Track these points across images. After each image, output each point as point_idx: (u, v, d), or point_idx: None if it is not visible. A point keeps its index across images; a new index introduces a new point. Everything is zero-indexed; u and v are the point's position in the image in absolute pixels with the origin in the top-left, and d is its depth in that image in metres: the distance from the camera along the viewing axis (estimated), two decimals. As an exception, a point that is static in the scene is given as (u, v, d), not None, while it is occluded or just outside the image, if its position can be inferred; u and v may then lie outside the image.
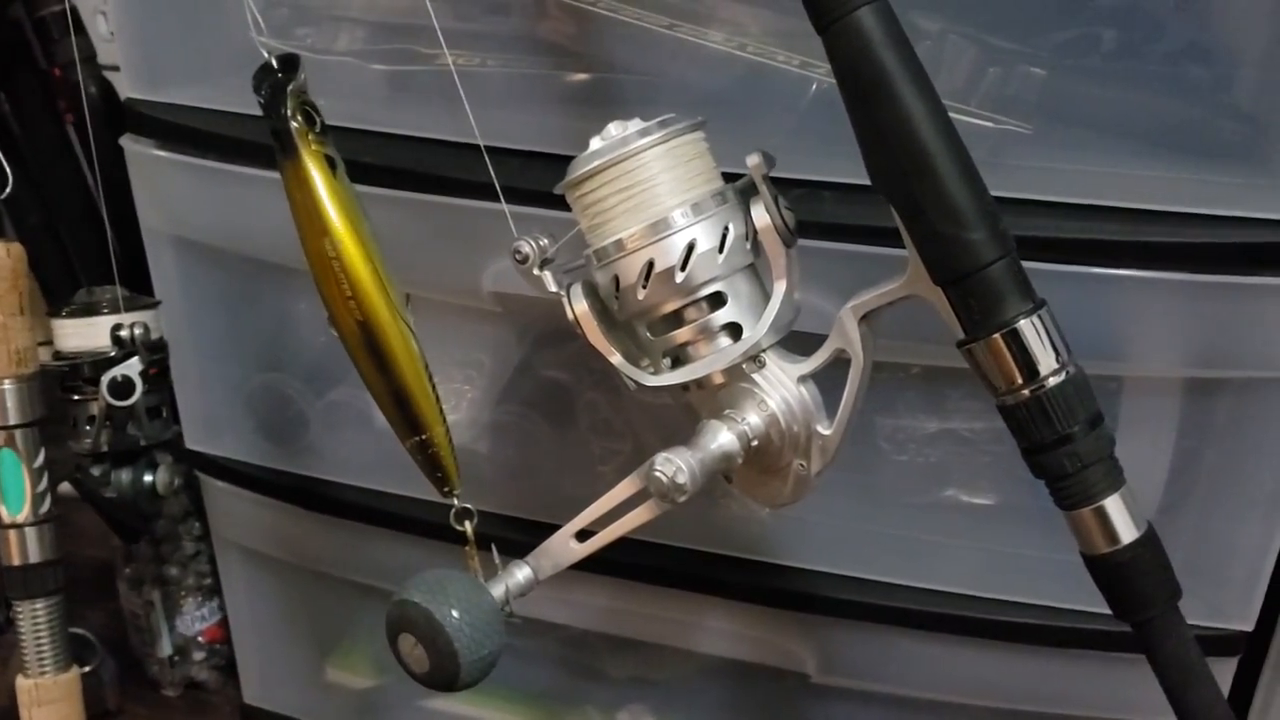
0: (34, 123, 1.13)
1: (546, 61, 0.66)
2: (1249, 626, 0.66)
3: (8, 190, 0.68)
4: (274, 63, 0.52)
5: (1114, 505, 0.45)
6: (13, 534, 0.66)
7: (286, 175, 0.53)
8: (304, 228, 0.52)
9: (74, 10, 1.01)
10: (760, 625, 0.74)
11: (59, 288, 1.07)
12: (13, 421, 0.65)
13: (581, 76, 0.66)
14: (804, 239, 0.59)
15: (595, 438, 0.76)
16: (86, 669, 0.86)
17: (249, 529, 0.85)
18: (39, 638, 0.68)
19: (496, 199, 0.58)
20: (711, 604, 0.75)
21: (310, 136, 0.52)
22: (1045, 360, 0.44)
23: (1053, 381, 0.44)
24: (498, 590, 0.52)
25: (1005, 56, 0.61)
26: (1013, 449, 0.47)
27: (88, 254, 1.08)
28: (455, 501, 0.57)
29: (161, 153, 0.73)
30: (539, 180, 0.56)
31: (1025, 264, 0.58)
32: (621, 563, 0.74)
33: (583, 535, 0.54)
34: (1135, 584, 0.45)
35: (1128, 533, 0.45)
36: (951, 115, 0.60)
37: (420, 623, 0.49)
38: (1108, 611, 0.64)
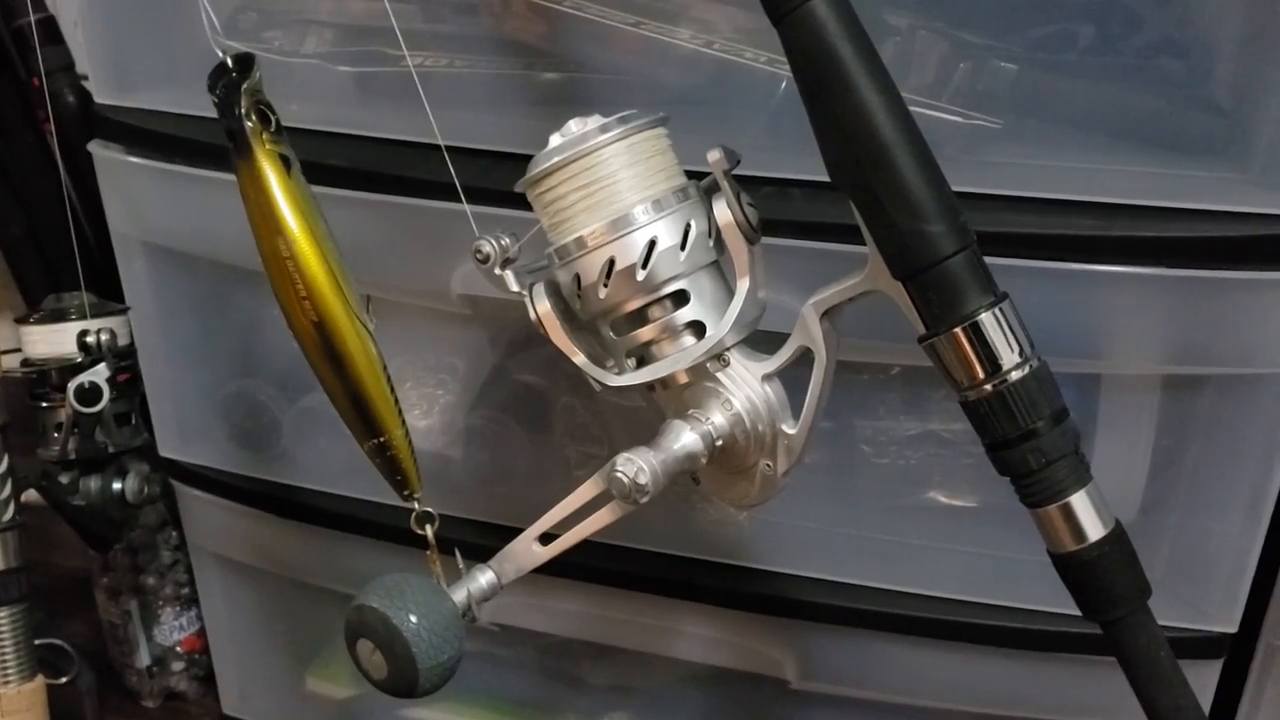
0: (13, 132, 1.12)
1: (514, 62, 0.66)
2: (1232, 628, 0.65)
3: None
4: (229, 62, 0.51)
5: (1080, 502, 0.44)
6: (-26, 542, 0.65)
7: (241, 175, 0.52)
8: (258, 227, 0.51)
9: (52, 20, 1.01)
10: (739, 631, 0.73)
11: (41, 298, 1.06)
12: (-31, 430, 0.64)
13: (549, 76, 0.65)
14: (774, 237, 0.59)
15: (571, 442, 0.75)
16: (64, 680, 0.85)
17: (224, 537, 0.85)
18: (3, 647, 0.67)
19: (462, 202, 0.57)
20: (689, 609, 0.74)
21: (265, 136, 0.51)
22: (1007, 354, 0.44)
23: (1015, 375, 0.43)
24: (459, 595, 0.51)
25: (976, 51, 0.60)
26: None
27: (68, 263, 1.08)
28: (416, 505, 0.56)
29: (130, 158, 0.73)
30: (506, 180, 0.55)
31: (998, 261, 0.57)
32: (597, 568, 0.74)
33: (546, 538, 0.53)
34: (1104, 582, 0.44)
35: (1095, 530, 0.44)
36: (922, 111, 0.61)
37: (378, 628, 0.48)
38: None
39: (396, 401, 0.55)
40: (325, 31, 0.69)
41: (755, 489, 0.52)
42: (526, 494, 0.75)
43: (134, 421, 0.72)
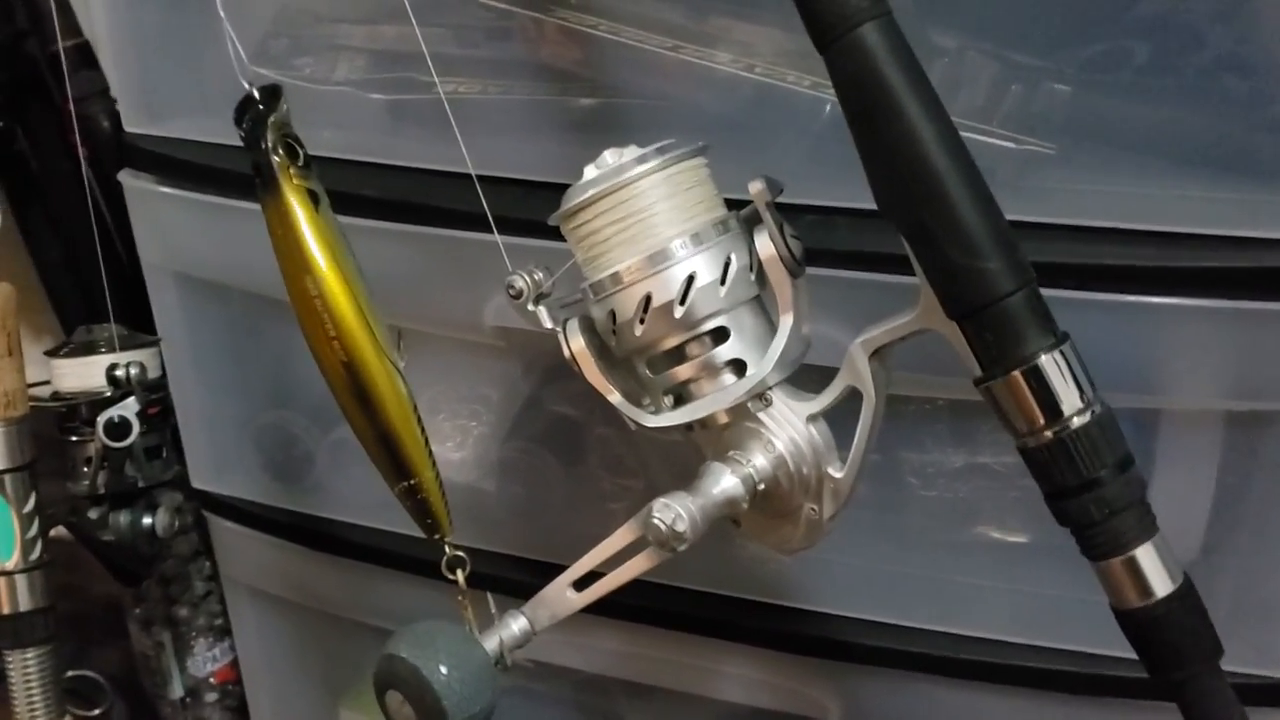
0: (50, 158, 1.12)
1: (549, 88, 0.64)
2: (1304, 674, 0.62)
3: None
4: (255, 94, 0.50)
5: (1146, 555, 0.41)
6: (2, 581, 0.64)
7: (267, 211, 0.50)
8: (286, 266, 0.50)
9: (86, 45, 1.00)
10: (781, 672, 0.71)
11: (78, 325, 1.06)
12: (2, 466, 0.63)
13: (585, 102, 0.63)
14: (818, 268, 0.57)
15: (606, 475, 0.73)
16: (96, 712, 0.84)
17: (257, 569, 0.83)
18: (29, 688, 0.66)
19: (494, 234, 0.56)
20: (730, 650, 0.71)
21: (292, 170, 0.50)
22: (1069, 399, 0.41)
23: (1077, 422, 0.41)
24: (491, 644, 0.49)
25: (1028, 73, 0.58)
26: None
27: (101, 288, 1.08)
28: (447, 549, 0.54)
29: (161, 188, 0.72)
30: (540, 210, 0.54)
31: (1052, 292, 0.54)
32: (636, 606, 0.72)
33: (582, 583, 0.51)
34: (1171, 641, 0.42)
35: (1162, 585, 0.41)
36: (972, 136, 0.58)
37: (408, 679, 0.46)
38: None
39: (427, 442, 0.53)
40: (357, 58, 0.68)
41: (799, 534, 0.50)
42: (561, 527, 0.74)
43: (165, 455, 0.70)
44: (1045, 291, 0.54)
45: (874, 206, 0.55)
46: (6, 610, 0.65)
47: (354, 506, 0.77)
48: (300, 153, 0.50)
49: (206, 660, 0.92)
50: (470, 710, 0.46)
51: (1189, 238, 0.55)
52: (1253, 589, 0.62)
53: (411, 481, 0.53)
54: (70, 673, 0.77)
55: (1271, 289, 0.54)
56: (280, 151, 0.49)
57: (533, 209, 0.57)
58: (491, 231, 0.55)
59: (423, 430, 0.53)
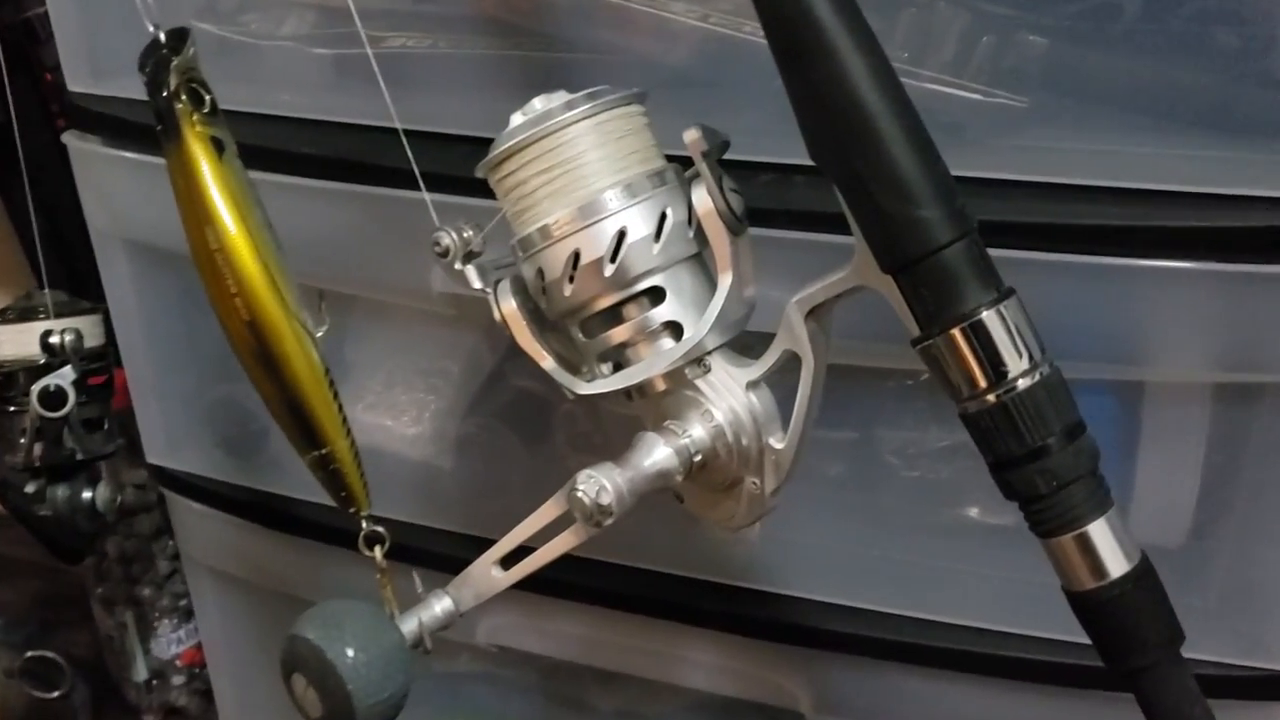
0: (31, 129, 1.10)
1: (500, 42, 0.61)
2: (1295, 664, 0.58)
3: None
4: (161, 38, 0.47)
5: (1099, 531, 0.38)
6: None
7: (169, 159, 0.48)
8: (186, 217, 0.47)
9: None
10: (750, 659, 0.68)
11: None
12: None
13: (537, 55, 0.60)
14: (772, 228, 0.54)
15: (572, 452, 0.70)
16: (56, 694, 0.82)
17: (216, 548, 0.81)
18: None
19: (444, 191, 0.53)
20: (697, 635, 0.68)
21: (195, 117, 0.47)
22: (1013, 359, 0.38)
23: (1023, 384, 0.37)
24: (409, 625, 0.46)
25: (1001, 24, 0.54)
26: None
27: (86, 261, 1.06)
28: (364, 524, 0.51)
29: (106, 149, 0.69)
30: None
31: (1026, 254, 0.52)
32: (599, 589, 0.69)
33: (509, 562, 0.48)
34: (1126, 626, 0.38)
35: (1117, 565, 0.38)
36: (941, 89, 0.55)
37: (311, 662, 0.44)
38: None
39: (341, 410, 0.50)
40: (305, 14, 0.65)
41: (742, 509, 0.47)
42: (522, 507, 0.70)
43: (106, 427, 0.68)
44: (1019, 253, 0.51)
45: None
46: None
47: (310, 484, 0.74)
48: (206, 99, 0.48)
49: (171, 642, 0.90)
50: (378, 696, 0.43)
51: (1173, 195, 0.52)
52: (1243, 575, 0.58)
53: (323, 451, 0.50)
54: (30, 653, 0.75)
55: (1263, 250, 0.50)
56: (183, 97, 0.46)
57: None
58: (442, 191, 0.52)
59: (336, 397, 0.49)
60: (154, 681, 0.91)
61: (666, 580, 0.67)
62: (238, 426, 0.76)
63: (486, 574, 0.48)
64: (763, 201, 0.50)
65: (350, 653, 0.43)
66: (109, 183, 0.70)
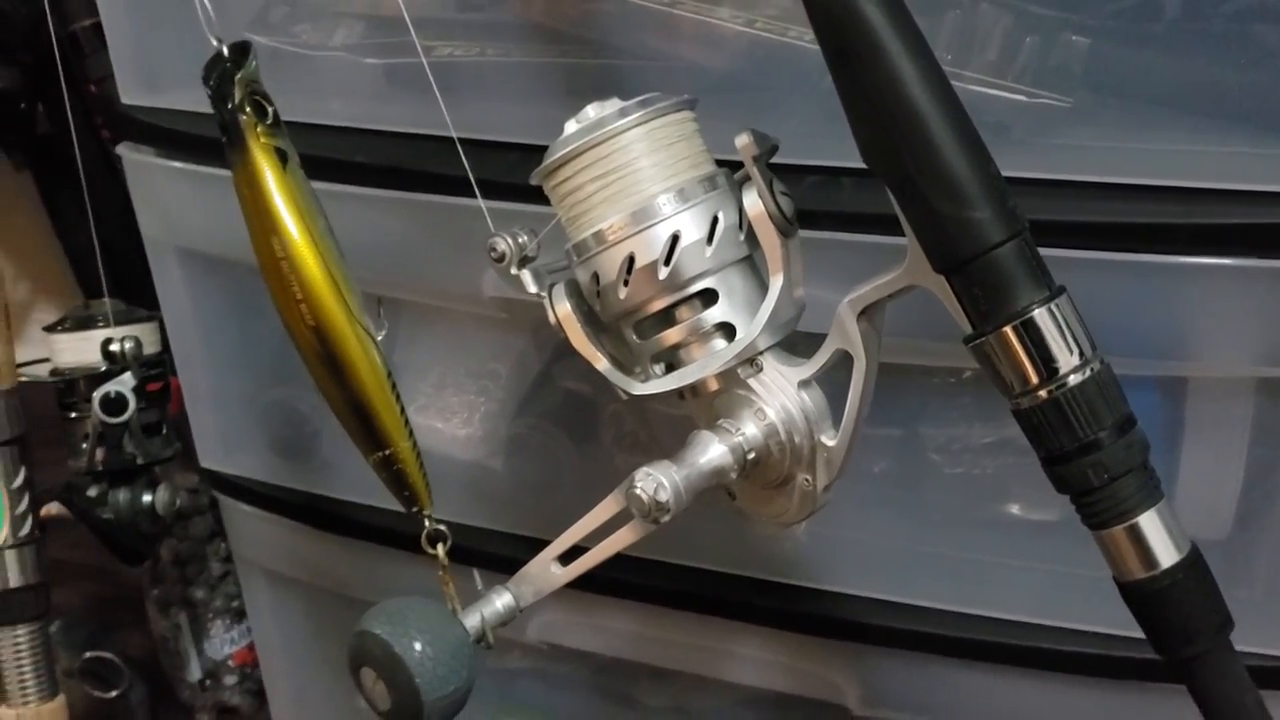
0: (80, 143, 1.12)
1: (547, 50, 0.62)
2: (1344, 656, 0.58)
3: None
4: (224, 51, 0.48)
5: (1150, 523, 0.39)
6: (-8, 556, 0.64)
7: (235, 170, 0.49)
8: (253, 226, 0.48)
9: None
10: (797, 654, 0.69)
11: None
12: (-10, 439, 0.63)
13: (585, 63, 0.61)
14: (822, 230, 0.54)
15: (620, 453, 0.71)
16: (114, 693, 0.84)
17: (269, 550, 0.82)
18: (21, 666, 0.65)
19: (495, 197, 0.54)
20: (745, 631, 0.69)
21: (259, 128, 0.48)
22: (1064, 356, 0.38)
23: (1074, 380, 0.38)
24: (471, 620, 0.48)
25: (1044, 24, 0.55)
26: None
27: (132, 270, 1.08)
28: (426, 523, 0.53)
29: (160, 160, 0.70)
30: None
31: (1069, 253, 0.52)
32: (649, 586, 0.70)
33: (568, 558, 0.49)
34: (1178, 615, 0.39)
35: (1167, 555, 0.39)
36: (985, 90, 0.55)
37: (380, 656, 0.45)
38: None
39: (403, 411, 0.51)
40: (355, 24, 0.66)
41: (793, 505, 0.48)
42: (572, 506, 0.71)
43: (164, 432, 0.69)
44: (1063, 252, 0.51)
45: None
46: (-4, 586, 0.64)
47: (363, 486, 0.75)
48: (269, 110, 0.49)
49: (224, 642, 0.92)
50: (445, 689, 0.44)
51: (1216, 193, 0.52)
52: (1289, 567, 0.59)
53: (386, 452, 0.51)
54: (88, 654, 0.76)
55: (1303, 246, 0.51)
56: (247, 109, 0.48)
57: (529, 173, 0.55)
58: (492, 198, 0.53)
59: (399, 399, 0.51)
60: (207, 681, 0.93)
61: (715, 577, 0.68)
62: (290, 430, 0.77)
63: (545, 571, 0.49)
64: (810, 203, 0.51)
65: (418, 646, 0.44)
66: (162, 192, 0.72)
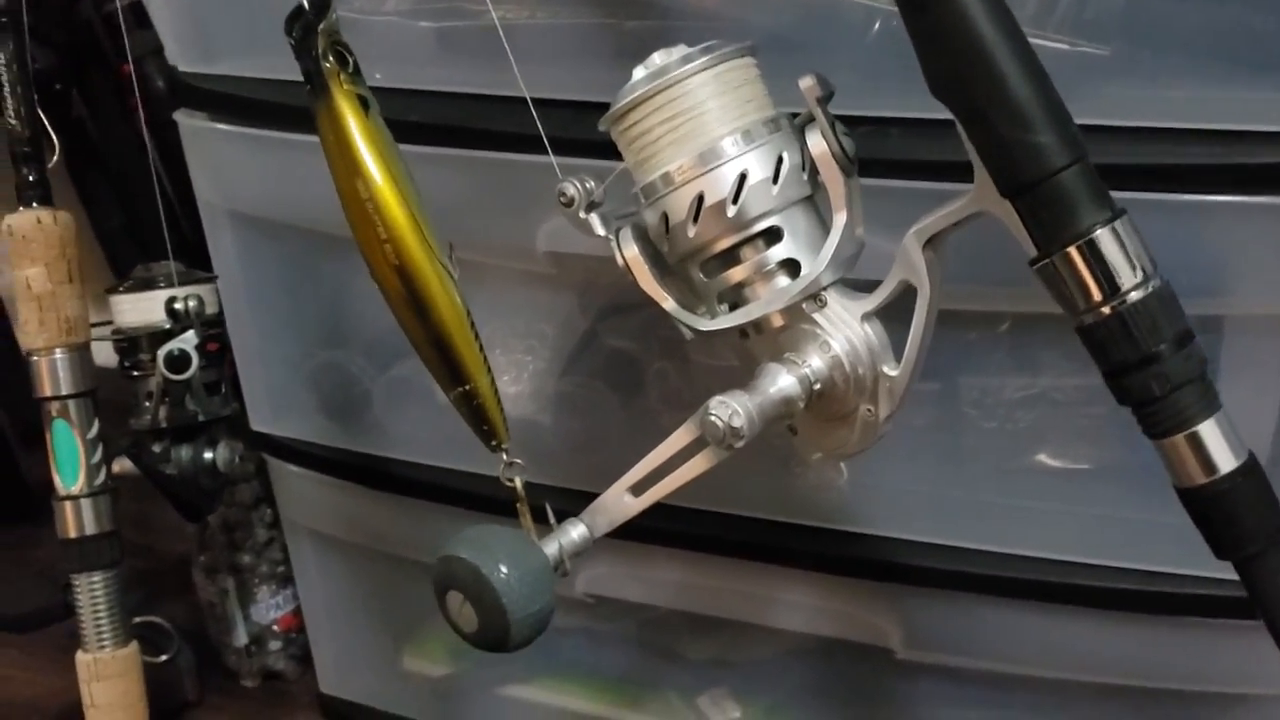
0: (108, 122, 1.14)
1: (595, 11, 0.64)
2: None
3: (55, 158, 0.67)
4: (305, 3, 0.50)
5: (1209, 430, 0.41)
6: (68, 506, 0.65)
7: (319, 117, 0.51)
8: (337, 170, 0.50)
9: (140, 4, 1.01)
10: (841, 598, 0.71)
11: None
12: (65, 391, 0.64)
13: (631, 24, 0.63)
14: (870, 177, 0.56)
15: (665, 409, 0.73)
16: (164, 658, 0.85)
17: (318, 512, 0.84)
18: (97, 611, 0.67)
19: (548, 153, 0.56)
20: (790, 576, 0.71)
21: (342, 76, 0.50)
22: (1126, 273, 0.40)
23: (1135, 296, 0.40)
24: (550, 548, 0.50)
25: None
26: (1109, 410, 0.43)
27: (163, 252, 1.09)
28: (504, 456, 0.54)
29: (215, 125, 0.72)
30: (590, 131, 0.54)
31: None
32: (694, 534, 0.72)
33: (639, 490, 0.51)
34: (1236, 517, 0.41)
35: (1226, 461, 0.41)
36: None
37: (467, 579, 0.47)
38: (1216, 575, 0.60)
39: (482, 349, 0.53)
40: (405, -11, 0.68)
41: (855, 436, 0.50)
42: (619, 461, 0.73)
43: (223, 391, 0.71)
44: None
45: (928, 115, 0.55)
46: (73, 534, 0.66)
47: (413, 444, 0.78)
48: (350, 59, 0.51)
49: (270, 607, 0.93)
50: (529, 609, 0.46)
51: (1250, 135, 0.54)
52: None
53: (467, 387, 0.53)
54: (138, 619, 0.78)
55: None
56: (330, 58, 0.50)
57: (582, 129, 0.57)
58: (544, 152, 0.55)
59: (477, 337, 0.53)
60: (253, 647, 0.94)
61: (760, 525, 0.70)
62: (341, 392, 0.79)
63: (619, 501, 0.51)
64: (860, 153, 0.53)
65: (503, 569, 0.46)
66: (217, 157, 0.74)
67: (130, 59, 1.06)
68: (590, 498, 0.72)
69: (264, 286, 0.77)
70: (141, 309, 0.68)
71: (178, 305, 0.67)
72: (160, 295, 0.68)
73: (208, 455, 0.70)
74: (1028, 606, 0.66)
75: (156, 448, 0.68)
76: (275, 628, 0.94)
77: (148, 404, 0.68)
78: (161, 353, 0.66)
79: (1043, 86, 0.40)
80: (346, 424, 0.79)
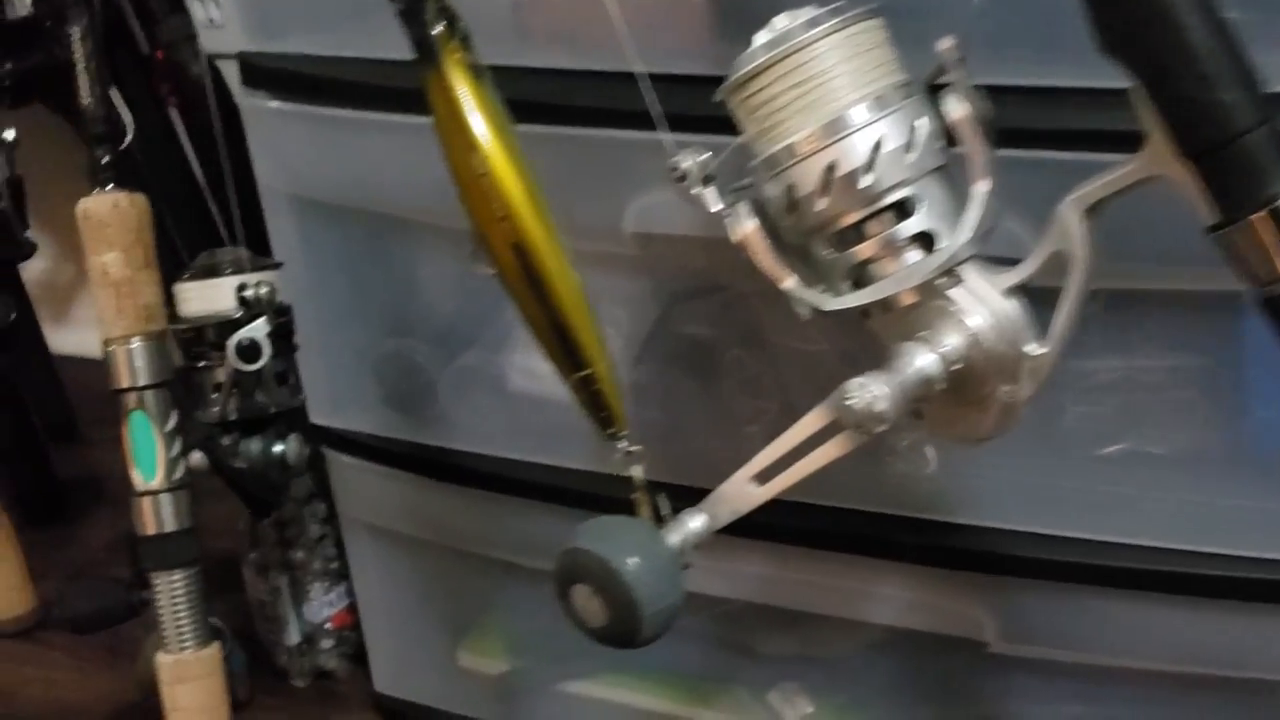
0: (138, 109, 1.11)
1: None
2: None
3: (127, 140, 0.64)
4: (412, -27, 0.48)
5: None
6: (147, 501, 0.62)
7: (430, 89, 0.48)
8: (450, 144, 0.47)
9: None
10: (933, 590, 0.68)
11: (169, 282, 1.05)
12: (143, 382, 0.61)
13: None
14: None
15: (742, 397, 0.71)
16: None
17: (379, 506, 0.81)
18: (178, 611, 0.64)
19: (640, 128, 0.53)
20: (878, 568, 0.69)
21: (453, 44, 0.47)
22: (1317, 244, 0.38)
23: (1327, 269, 0.38)
24: (673, 539, 0.47)
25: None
26: (1204, 392, 0.41)
27: (195, 242, 1.06)
28: (624, 444, 0.52)
29: (279, 104, 0.69)
30: (684, 104, 0.52)
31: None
32: (781, 526, 0.69)
33: (764, 478, 0.48)
34: None
35: None
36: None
37: (596, 572, 0.44)
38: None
39: (600, 332, 0.50)
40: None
41: (991, 419, 0.47)
42: (694, 451, 0.71)
43: (291, 381, 0.68)
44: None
45: (1041, 82, 0.53)
46: (152, 531, 0.63)
47: (480, 436, 0.75)
48: (459, 27, 0.48)
49: (322, 605, 0.91)
50: (661, 604, 0.44)
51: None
52: None
53: (587, 372, 0.50)
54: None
55: None
56: (440, 27, 0.47)
57: (675, 103, 0.55)
58: (642, 128, 0.52)
59: (595, 319, 0.50)
60: (304, 645, 0.92)
61: (849, 515, 0.68)
62: (405, 382, 0.77)
63: (742, 490, 0.48)
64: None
65: (633, 561, 0.43)
66: (281, 138, 0.71)
67: (162, 45, 1.05)
68: (665, 488, 0.70)
69: (326, 274, 0.75)
70: (208, 297, 0.65)
71: (248, 293, 0.64)
72: (229, 282, 0.65)
73: (278, 448, 0.67)
74: (1128, 595, 0.64)
75: (226, 441, 0.66)
76: (327, 626, 0.92)
77: (215, 395, 0.66)
78: (233, 342, 0.63)
79: (1228, 42, 0.38)
80: (411, 415, 0.77)
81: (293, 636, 0.91)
